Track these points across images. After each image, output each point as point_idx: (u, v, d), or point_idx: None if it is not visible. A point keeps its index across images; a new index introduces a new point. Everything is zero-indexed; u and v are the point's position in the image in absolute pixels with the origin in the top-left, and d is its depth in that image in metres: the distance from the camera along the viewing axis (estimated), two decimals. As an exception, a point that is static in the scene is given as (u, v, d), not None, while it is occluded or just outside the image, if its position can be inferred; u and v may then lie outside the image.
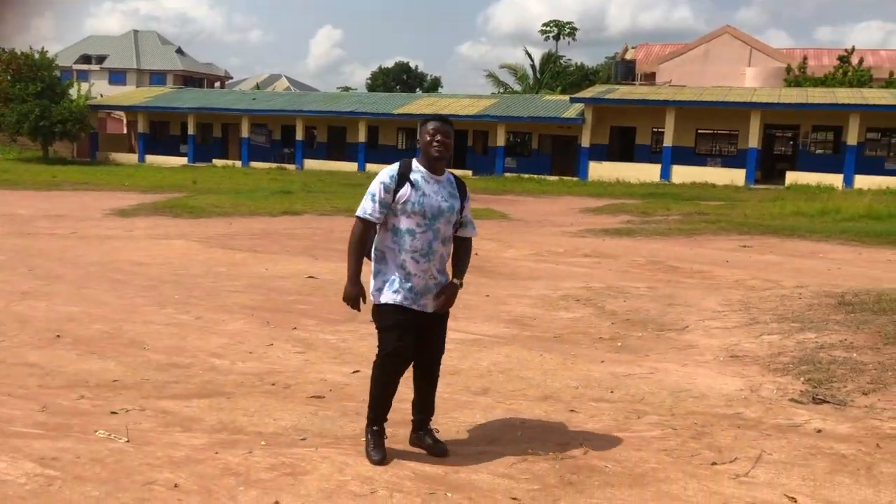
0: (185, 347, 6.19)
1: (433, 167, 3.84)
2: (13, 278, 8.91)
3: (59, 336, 6.41)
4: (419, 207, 3.77)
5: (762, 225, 15.91)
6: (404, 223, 3.80)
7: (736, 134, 33.69)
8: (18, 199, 19.15)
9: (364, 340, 6.39)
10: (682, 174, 31.41)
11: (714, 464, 4.01)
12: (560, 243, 13.14)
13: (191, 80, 68.21)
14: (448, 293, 3.92)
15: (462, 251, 4.04)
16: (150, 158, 40.52)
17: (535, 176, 33.47)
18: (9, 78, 36.89)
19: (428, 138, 3.80)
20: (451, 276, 3.98)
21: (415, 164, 3.86)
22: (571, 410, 4.82)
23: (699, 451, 4.17)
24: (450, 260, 4.06)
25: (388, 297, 3.85)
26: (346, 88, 74.73)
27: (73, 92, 39.48)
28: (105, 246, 11.67)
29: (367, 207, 3.82)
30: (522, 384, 5.35)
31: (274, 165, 38.21)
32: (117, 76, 69.26)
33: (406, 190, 3.78)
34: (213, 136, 43.00)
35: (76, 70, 66.37)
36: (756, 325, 7.16)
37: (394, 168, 3.86)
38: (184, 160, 39.81)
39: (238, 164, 39.21)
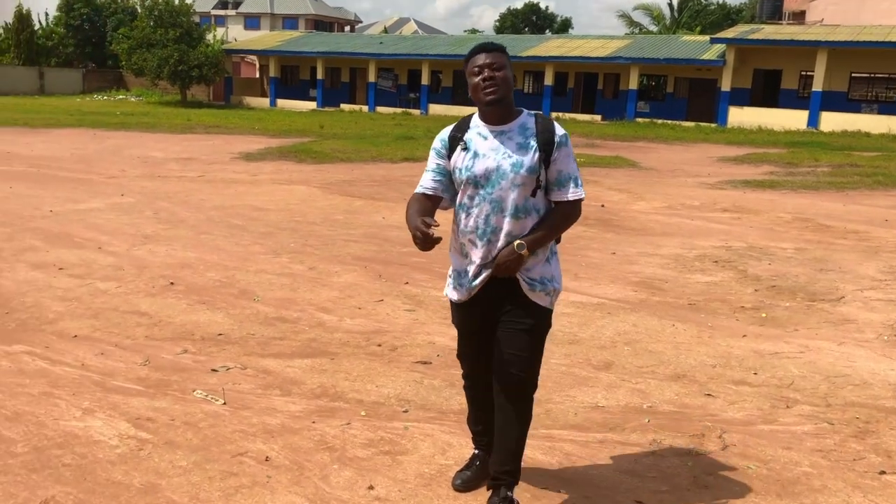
0: (294, 300, 5.98)
1: (490, 115, 2.85)
2: (139, 221, 9.04)
3: (172, 283, 6.36)
4: (468, 174, 2.82)
5: (927, 179, 14.28)
6: (459, 196, 2.91)
7: (896, 77, 30.66)
8: (154, 141, 19.81)
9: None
10: (833, 122, 28.94)
11: (883, 472, 3.37)
12: (696, 196, 12.21)
13: (322, 24, 69.07)
14: (506, 257, 2.81)
15: (554, 216, 2.86)
16: (280, 103, 41.36)
17: (670, 122, 31.77)
18: (151, 24, 38.31)
19: (475, 79, 2.81)
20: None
21: (474, 119, 2.92)
22: (708, 394, 4.24)
23: (863, 455, 3.53)
24: None
25: (448, 290, 3.09)
26: (474, 31, 73.65)
27: (209, 37, 40.66)
28: (229, 190, 11.76)
29: (422, 178, 3.01)
30: (651, 360, 4.79)
31: (399, 110, 38.14)
32: (252, 21, 71.05)
33: (458, 155, 2.87)
34: (342, 80, 43.36)
35: (214, 15, 68.59)
36: (927, 297, 6.24)
37: (447, 129, 2.98)
38: (313, 105, 40.39)
39: (365, 108, 39.41)
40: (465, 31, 73.60)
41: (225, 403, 3.99)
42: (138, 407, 3.93)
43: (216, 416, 3.84)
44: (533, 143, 2.81)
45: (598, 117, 33.91)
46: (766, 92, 32.89)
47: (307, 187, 12.19)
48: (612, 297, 6.20)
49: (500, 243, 2.83)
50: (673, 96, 35.44)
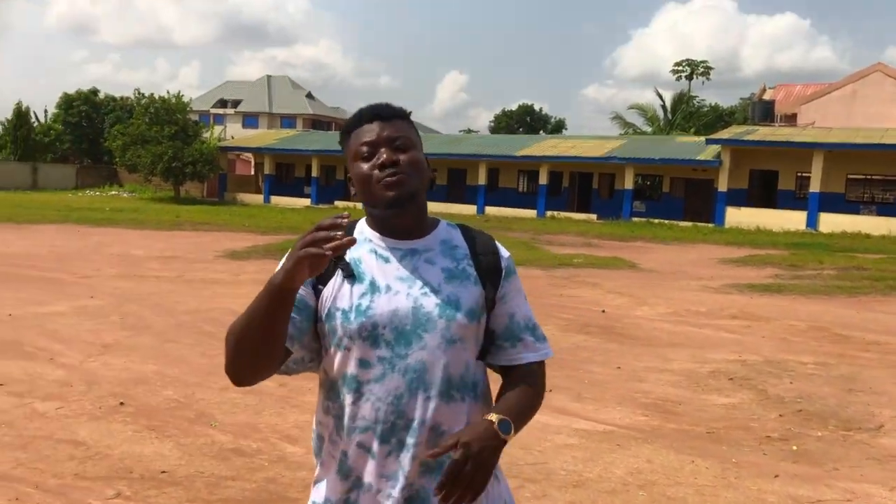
0: (257, 425, 5.22)
1: (394, 224, 1.70)
2: (101, 327, 8.32)
3: (122, 403, 5.60)
4: (362, 320, 1.62)
5: (939, 284, 13.69)
6: (339, 362, 1.65)
7: (893, 179, 30.63)
8: (139, 238, 19.25)
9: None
10: (831, 223, 28.67)
11: None
12: (701, 300, 11.56)
13: (319, 123, 70.06)
14: (477, 450, 1.52)
15: (519, 391, 1.70)
16: (275, 199, 41.24)
17: (666, 221, 31.50)
18: (146, 121, 38.53)
19: (363, 166, 1.67)
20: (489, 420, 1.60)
21: (363, 228, 1.75)
22: (747, 563, 3.45)
23: None
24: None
25: None
26: (469, 131, 74.81)
27: (206, 135, 40.88)
28: (207, 291, 11.09)
29: None
30: (673, 511, 4.01)
31: (394, 207, 37.96)
32: (250, 120, 72.06)
33: (336, 285, 1.66)
34: (337, 178, 43.39)
35: (213, 114, 69.59)
36: (977, 426, 5.50)
37: None
38: (307, 201, 40.25)
39: (360, 205, 39.09)
40: (461, 130, 74.86)
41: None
42: (38, 580, 3.13)
43: None
44: (469, 269, 1.70)
45: (593, 216, 33.68)
46: (763, 192, 32.82)
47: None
48: (622, 423, 5.44)
49: (418, 448, 1.60)
50: (669, 196, 35.36)
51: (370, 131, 1.69)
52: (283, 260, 1.48)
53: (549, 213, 34.34)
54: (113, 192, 43.79)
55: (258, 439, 4.94)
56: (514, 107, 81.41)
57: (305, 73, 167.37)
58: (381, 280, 1.65)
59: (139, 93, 41.39)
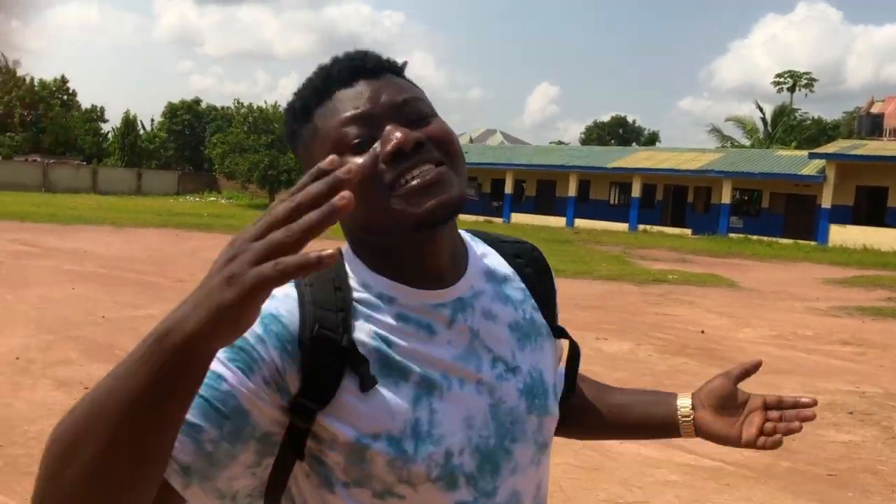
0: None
1: (423, 259, 0.95)
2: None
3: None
4: (434, 446, 0.91)
5: None
6: None
7: None
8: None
9: (557, 454, 4.88)
10: (948, 243, 26.85)
11: None
12: (807, 323, 10.83)
13: (410, 133, 70.72)
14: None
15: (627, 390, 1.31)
16: (364, 208, 41.71)
17: (765, 238, 30.15)
18: (245, 130, 39.62)
19: (355, 160, 0.89)
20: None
21: (358, 270, 0.96)
22: None
23: None
24: None
25: None
26: (559, 143, 74.07)
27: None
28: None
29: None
30: (794, 566, 3.57)
31: (481, 219, 37.77)
32: (343, 129, 73.43)
33: (348, 396, 0.89)
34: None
35: (308, 124, 71.16)
36: None
37: (264, 313, 0.86)
38: (396, 210, 40.56)
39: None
40: (551, 142, 74.11)
41: None
42: None
43: None
44: (536, 315, 1.07)
45: (688, 231, 32.60)
46: (871, 210, 31.05)
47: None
48: (730, 458, 4.98)
49: None
50: (769, 211, 33.91)
51: (355, 98, 0.91)
52: (199, 293, 0.68)
53: (641, 227, 33.45)
54: (211, 199, 45.18)
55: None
56: (606, 118, 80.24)
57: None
58: (433, 369, 0.92)
59: (238, 102, 42.72)
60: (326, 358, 0.87)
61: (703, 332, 9.73)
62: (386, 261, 0.94)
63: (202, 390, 0.81)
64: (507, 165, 38.19)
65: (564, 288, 13.49)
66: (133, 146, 50.22)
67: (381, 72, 0.95)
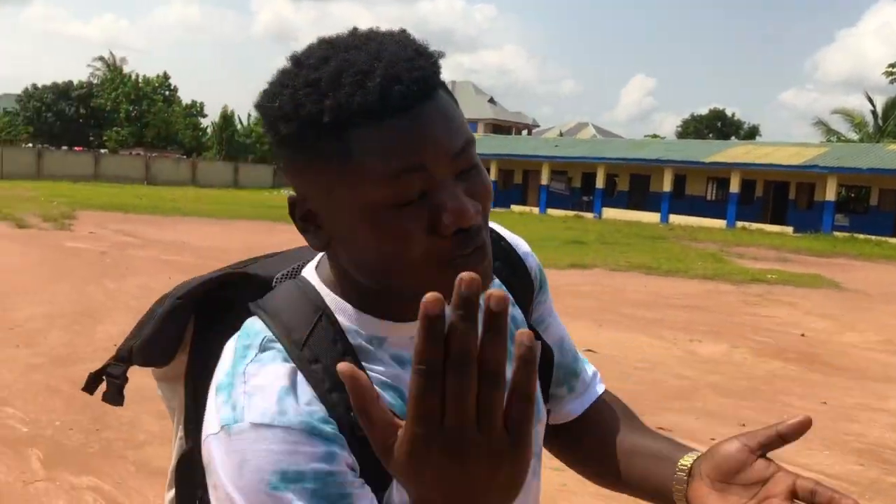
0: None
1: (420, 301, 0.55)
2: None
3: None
4: None
5: None
6: None
7: None
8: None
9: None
10: None
11: None
12: (920, 329, 10.16)
13: (500, 128, 70.49)
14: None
15: (648, 432, 1.06)
16: (453, 202, 41.78)
17: (874, 237, 28.62)
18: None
19: (403, 224, 0.74)
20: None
21: (339, 311, 0.82)
22: None
23: None
24: None
25: None
26: (654, 136, 72.38)
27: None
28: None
29: None
30: None
31: (571, 213, 37.29)
32: (434, 124, 73.80)
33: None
34: (514, 182, 43.34)
35: (399, 118, 71.90)
36: None
37: (273, 391, 0.74)
38: (485, 204, 40.45)
39: (536, 210, 38.91)
40: (646, 135, 72.43)
41: None
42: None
43: None
44: (518, 314, 0.98)
45: (789, 229, 31.29)
46: None
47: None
48: (831, 471, 4.68)
49: None
50: (877, 209, 32.19)
51: (413, 137, 0.73)
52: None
53: (739, 224, 32.32)
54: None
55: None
56: (703, 111, 77.92)
57: (489, 78, 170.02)
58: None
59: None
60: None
61: (803, 335, 9.25)
62: (379, 302, 0.82)
63: None
64: (598, 159, 37.55)
65: (656, 286, 13.19)
66: (230, 140, 51.90)
67: (435, 88, 0.76)
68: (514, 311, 0.96)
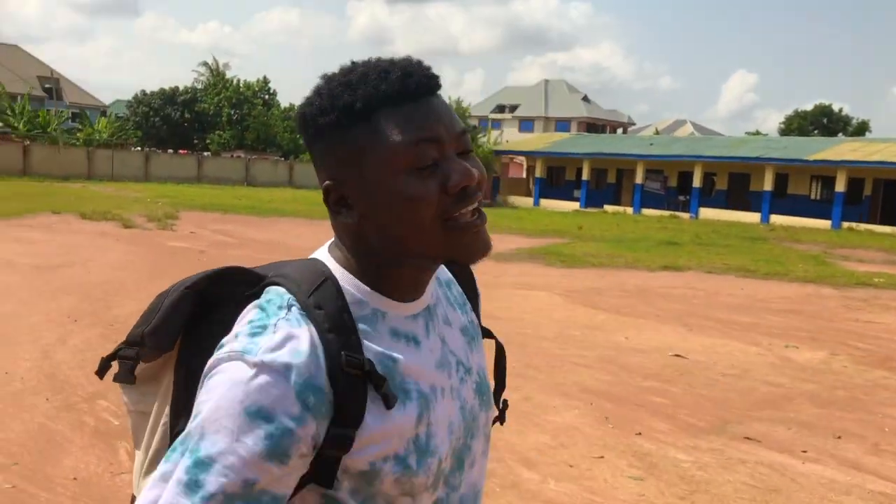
0: (495, 443, 4.86)
1: (423, 277, 1.00)
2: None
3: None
4: (431, 457, 0.96)
5: None
6: None
7: None
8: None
9: (730, 471, 4.50)
10: None
11: None
12: None
13: (594, 126, 69.55)
14: None
15: None
16: (544, 202, 41.42)
17: None
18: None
19: (420, 183, 0.92)
20: None
21: (348, 285, 0.96)
22: None
23: None
24: None
25: None
26: (757, 133, 69.82)
27: (482, 139, 42.20)
28: (467, 292, 11.13)
29: None
30: None
31: (666, 213, 36.36)
32: (526, 124, 73.51)
33: (371, 420, 0.91)
34: (608, 181, 42.61)
35: (491, 119, 71.96)
36: None
37: (287, 347, 0.87)
38: (576, 205, 39.90)
39: (630, 210, 38.13)
40: (747, 133, 69.93)
41: None
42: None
43: None
44: (474, 317, 1.15)
45: (900, 230, 29.60)
46: None
47: (548, 294, 11.21)
48: (934, 491, 4.37)
49: None
50: None
51: (428, 117, 0.92)
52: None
53: (845, 225, 30.79)
54: (396, 192, 46.91)
55: (493, 458, 4.63)
56: (808, 107, 74.69)
57: (584, 76, 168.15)
58: (425, 385, 0.97)
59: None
60: (355, 385, 0.89)
61: (911, 342, 8.70)
62: (387, 279, 0.98)
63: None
64: (695, 157, 36.46)
65: (753, 289, 12.74)
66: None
67: (438, 88, 0.97)
68: (474, 316, 1.15)
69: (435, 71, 0.97)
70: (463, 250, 0.95)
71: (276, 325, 0.89)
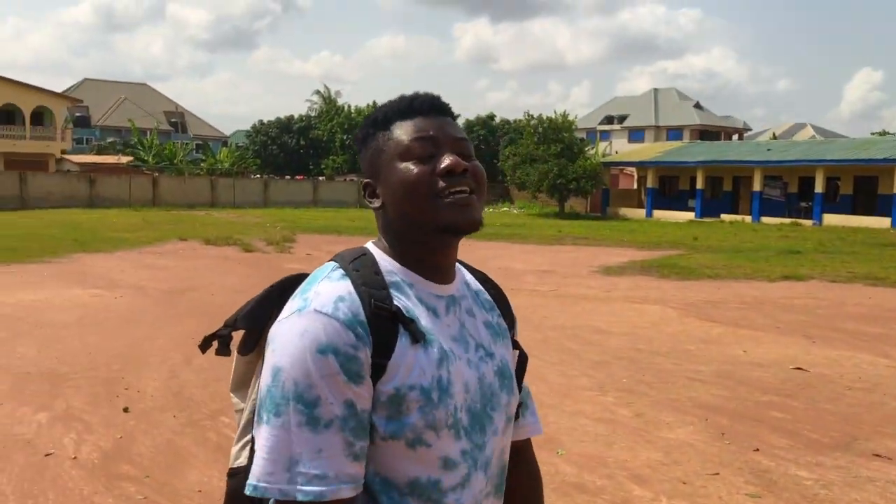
0: (605, 459, 4.84)
1: (440, 259, 1.24)
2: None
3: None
4: (449, 398, 1.15)
5: None
6: (411, 464, 1.14)
7: None
8: (521, 252, 20.08)
9: (857, 489, 4.27)
10: None
11: None
12: None
13: (707, 133, 67.46)
14: None
15: (536, 486, 1.44)
16: (657, 213, 40.46)
17: None
18: (535, 140, 40.51)
19: (414, 166, 1.19)
20: None
21: (385, 264, 1.22)
22: None
23: None
24: None
25: None
26: (884, 133, 65.82)
27: (591, 151, 41.72)
28: (576, 307, 11.02)
29: (323, 460, 1.07)
30: None
31: (787, 221, 34.78)
32: (636, 134, 72.11)
33: (401, 353, 1.13)
34: (723, 189, 41.20)
35: (599, 130, 71.10)
36: None
37: (333, 293, 1.13)
38: (691, 215, 38.76)
39: (748, 219, 36.69)
40: (873, 133, 65.94)
41: None
42: None
43: None
44: (503, 323, 1.34)
45: None
46: None
47: (661, 307, 10.95)
48: None
49: None
50: None
51: (428, 125, 1.22)
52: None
53: None
54: (504, 209, 46.86)
55: (604, 475, 4.57)
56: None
57: (695, 83, 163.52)
58: (445, 342, 1.19)
59: (528, 114, 43.80)
60: (385, 323, 1.13)
61: None
62: (411, 255, 1.23)
63: (353, 424, 1.10)
64: (817, 162, 34.77)
65: (882, 298, 12.03)
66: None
67: (448, 114, 1.27)
68: (502, 322, 1.35)
69: (450, 108, 1.28)
70: (451, 221, 1.18)
71: (320, 283, 1.16)
